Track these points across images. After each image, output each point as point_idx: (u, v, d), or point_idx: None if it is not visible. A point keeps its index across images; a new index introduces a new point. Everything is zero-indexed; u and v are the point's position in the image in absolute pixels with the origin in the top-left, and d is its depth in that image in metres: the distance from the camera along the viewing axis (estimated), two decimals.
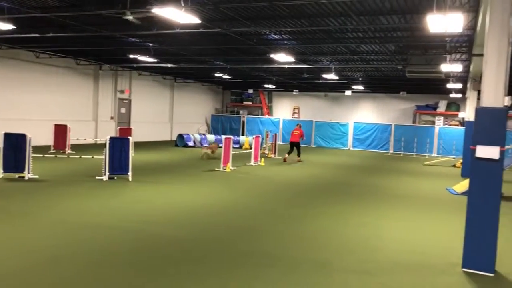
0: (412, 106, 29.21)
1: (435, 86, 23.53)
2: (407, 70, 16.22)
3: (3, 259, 5.10)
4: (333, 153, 24.30)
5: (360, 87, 26.81)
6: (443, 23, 8.37)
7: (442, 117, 27.99)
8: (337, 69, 20.40)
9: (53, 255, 5.33)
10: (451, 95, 26.21)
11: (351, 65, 19.27)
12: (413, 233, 7.29)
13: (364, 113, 30.65)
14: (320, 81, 24.61)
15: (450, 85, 21.16)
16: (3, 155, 10.49)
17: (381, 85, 26.22)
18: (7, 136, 10.58)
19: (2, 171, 10.50)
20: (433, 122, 28.08)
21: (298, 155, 18.42)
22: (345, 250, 6.10)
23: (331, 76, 20.88)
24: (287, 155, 18.22)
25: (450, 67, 15.04)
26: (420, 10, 10.09)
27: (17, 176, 10.64)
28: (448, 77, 19.04)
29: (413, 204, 9.88)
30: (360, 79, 24.06)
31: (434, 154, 25.90)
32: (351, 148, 28.49)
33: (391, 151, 27.12)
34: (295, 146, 18.17)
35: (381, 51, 15.78)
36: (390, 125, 27.66)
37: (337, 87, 28.26)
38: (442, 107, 27.91)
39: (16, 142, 10.52)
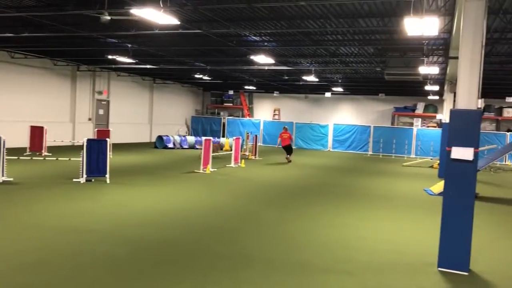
0: (390, 108, 29.59)
1: (413, 88, 23.89)
2: (385, 72, 16.41)
3: None
4: (313, 155, 24.44)
5: (340, 89, 27.05)
6: (419, 26, 8.50)
7: (420, 119, 28.44)
8: (317, 71, 20.54)
9: (27, 259, 5.22)
10: (429, 97, 26.66)
11: (331, 67, 19.42)
12: (392, 233, 7.38)
13: (343, 115, 30.93)
14: (300, 83, 24.73)
15: (427, 87, 21.50)
16: None
17: (360, 87, 26.49)
18: None
19: None
20: (411, 124, 28.51)
21: (290, 154, 19.33)
22: (325, 251, 6.13)
23: (311, 78, 21.02)
24: (288, 156, 19.27)
25: (428, 69, 15.29)
26: (398, 13, 10.23)
27: None
28: (426, 79, 19.35)
29: (392, 205, 10.00)
30: (340, 81, 24.26)
31: (413, 155, 26.28)
32: (331, 150, 28.70)
33: (370, 152, 27.41)
34: (288, 148, 19.17)
35: (360, 53, 15.94)
36: (369, 126, 27.95)
37: (317, 89, 28.46)
38: (420, 109, 28.35)
39: None
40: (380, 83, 23.48)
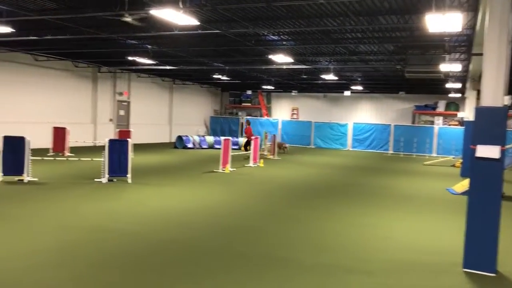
0: (411, 106, 29.18)
1: (434, 86, 23.53)
2: (406, 70, 16.21)
3: (1, 262, 5.07)
4: (333, 154, 24.29)
5: (359, 88, 26.81)
6: (442, 22, 8.36)
7: (441, 117, 27.99)
8: (336, 70, 20.39)
9: (50, 258, 5.30)
10: (450, 95, 26.22)
11: (350, 66, 19.26)
12: (414, 233, 7.27)
13: (363, 114, 30.64)
14: (319, 81, 24.61)
15: (449, 85, 21.15)
16: (2, 158, 10.45)
17: (380, 85, 26.22)
18: (7, 139, 10.55)
19: (2, 174, 10.47)
20: (432, 122, 28.08)
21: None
22: (345, 251, 6.07)
23: (330, 77, 20.87)
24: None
25: (449, 66, 15.04)
26: (419, 10, 10.07)
27: (16, 179, 10.60)
28: (447, 76, 19.04)
29: (413, 204, 9.86)
30: (359, 79, 24.06)
31: (434, 154, 25.88)
32: (351, 149, 28.48)
33: (390, 152, 27.10)
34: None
35: (379, 51, 15.77)
36: (389, 125, 27.65)
37: (336, 88, 28.27)
38: (441, 107, 27.91)
39: (15, 145, 10.49)
40: (400, 81, 23.21)
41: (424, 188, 12.59)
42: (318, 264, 5.47)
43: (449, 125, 27.37)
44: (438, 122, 27.82)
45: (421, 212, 9.07)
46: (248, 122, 19.72)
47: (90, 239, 6.14)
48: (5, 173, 10.50)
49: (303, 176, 14.04)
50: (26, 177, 10.55)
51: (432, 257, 5.96)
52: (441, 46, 13.91)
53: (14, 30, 12.70)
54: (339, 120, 30.15)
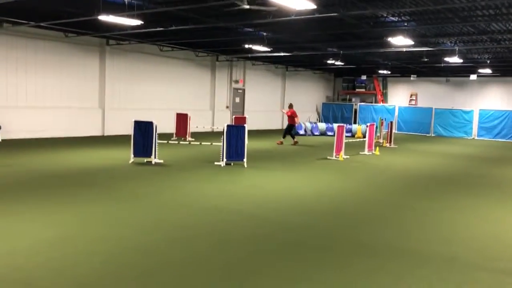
0: None
1: None
2: None
3: (128, 237, 5.55)
4: (456, 143, 22.56)
5: (488, 71, 24.42)
6: None
7: None
8: (461, 51, 18.78)
9: (179, 234, 5.66)
10: None
11: (478, 47, 17.59)
12: None
13: (491, 99, 27.91)
14: (442, 64, 22.90)
15: None
16: (133, 141, 11.43)
17: None
18: (137, 123, 11.50)
19: (133, 156, 11.47)
20: None
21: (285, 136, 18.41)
22: (472, 246, 5.59)
23: (454, 59, 19.28)
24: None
25: None
26: None
27: (145, 160, 11.53)
28: None
29: None
30: (488, 61, 21.89)
31: None
32: (476, 138, 26.21)
33: None
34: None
35: None
36: None
37: (461, 71, 26.10)
38: None
39: (144, 129, 11.40)
40: None
41: None
42: (445, 257, 5.10)
43: None
44: None
45: None
46: (290, 105, 18.55)
47: (209, 219, 6.45)
48: (136, 155, 11.48)
49: (422, 165, 13.25)
50: (153, 159, 11.42)
51: None
52: None
53: (143, 23, 13.69)
54: (463, 106, 27.86)
